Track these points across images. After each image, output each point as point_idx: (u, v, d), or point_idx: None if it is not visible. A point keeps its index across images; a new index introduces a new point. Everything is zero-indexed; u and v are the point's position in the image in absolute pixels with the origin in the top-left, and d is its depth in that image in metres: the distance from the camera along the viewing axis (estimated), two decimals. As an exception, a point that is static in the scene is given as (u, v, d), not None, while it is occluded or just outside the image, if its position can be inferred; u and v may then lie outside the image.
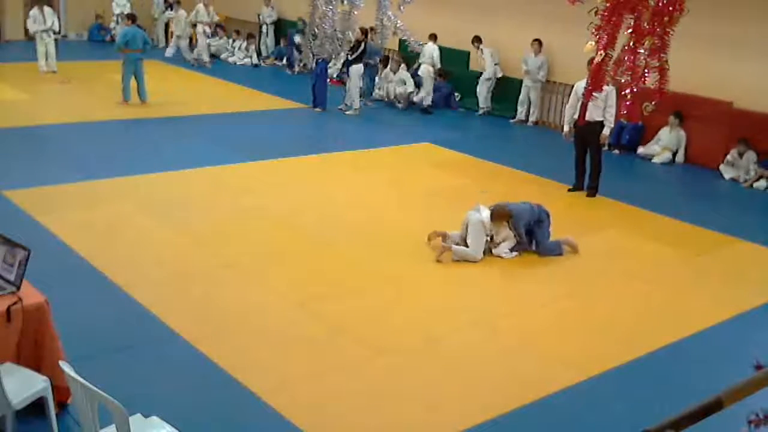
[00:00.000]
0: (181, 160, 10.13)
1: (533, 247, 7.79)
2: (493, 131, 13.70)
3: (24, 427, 4.25)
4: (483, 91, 14.76)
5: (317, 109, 14.08)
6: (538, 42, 13.68)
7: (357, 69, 14.19)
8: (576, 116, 9.91)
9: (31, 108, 12.63)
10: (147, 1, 19.76)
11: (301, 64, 17.18)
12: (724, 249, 8.46)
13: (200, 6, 18.27)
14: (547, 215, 7.82)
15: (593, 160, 9.91)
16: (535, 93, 14.10)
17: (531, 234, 7.77)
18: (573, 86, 10.07)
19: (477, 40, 14.53)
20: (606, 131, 9.81)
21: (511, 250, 7.65)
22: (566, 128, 10.16)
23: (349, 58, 14.17)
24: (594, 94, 10.25)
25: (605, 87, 8.87)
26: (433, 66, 14.85)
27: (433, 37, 14.88)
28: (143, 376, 5.09)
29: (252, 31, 19.31)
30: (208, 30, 18.33)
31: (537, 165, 11.17)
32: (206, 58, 18.10)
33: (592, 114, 9.58)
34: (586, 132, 9.75)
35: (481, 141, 12.92)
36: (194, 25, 18.41)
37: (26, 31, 19.15)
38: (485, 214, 7.53)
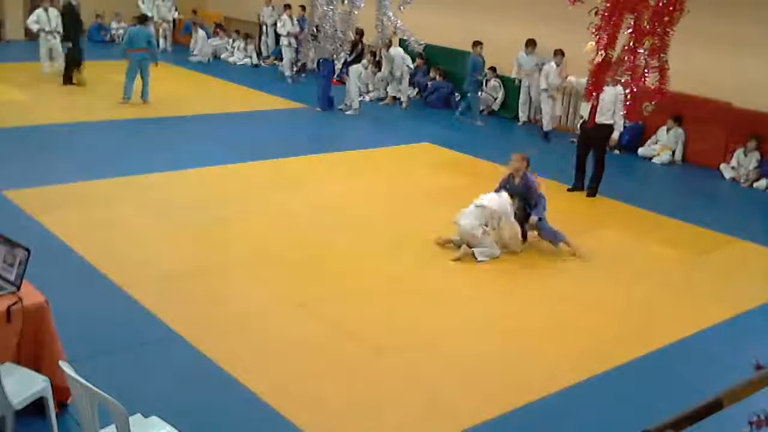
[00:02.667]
0: (181, 160, 10.12)
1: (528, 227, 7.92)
2: (493, 131, 13.68)
3: (24, 427, 4.24)
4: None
5: (318, 109, 14.09)
6: (533, 42, 13.68)
7: (356, 69, 14.20)
8: (586, 118, 9.98)
9: (31, 108, 12.62)
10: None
11: (300, 65, 16.94)
12: (724, 249, 8.46)
13: (285, 17, 16.94)
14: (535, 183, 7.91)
15: (597, 161, 9.91)
16: (536, 93, 14.11)
17: (526, 208, 7.85)
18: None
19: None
20: (615, 134, 9.83)
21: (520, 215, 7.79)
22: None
23: (347, 59, 14.17)
24: (602, 96, 10.32)
25: (615, 89, 8.92)
26: (548, 87, 13.13)
27: (559, 54, 12.99)
28: (143, 376, 5.09)
29: (252, 31, 19.31)
30: (293, 42, 16.65)
31: (537, 165, 11.10)
32: (288, 72, 16.84)
33: (601, 116, 9.60)
34: (594, 134, 9.77)
35: (481, 141, 12.91)
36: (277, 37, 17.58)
37: (26, 31, 19.14)
38: (490, 200, 7.59)
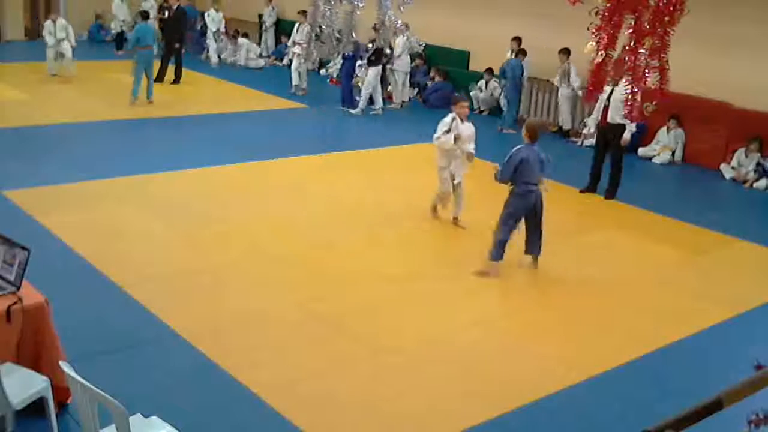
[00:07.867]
0: (182, 160, 10.12)
1: None
2: (494, 132, 13.66)
3: (24, 427, 4.25)
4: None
5: (345, 108, 14.10)
6: (517, 40, 13.53)
7: (375, 71, 13.87)
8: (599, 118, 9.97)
9: (31, 108, 12.62)
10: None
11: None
12: (724, 249, 8.46)
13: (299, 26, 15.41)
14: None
15: (612, 162, 9.86)
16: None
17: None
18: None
19: None
20: (627, 135, 9.70)
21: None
22: (591, 129, 10.22)
23: (351, 60, 14.05)
24: (614, 96, 10.24)
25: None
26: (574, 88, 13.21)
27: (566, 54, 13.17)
28: (143, 376, 5.09)
29: (251, 31, 19.29)
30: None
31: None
32: (300, 81, 15.53)
33: (614, 116, 9.54)
34: (607, 133, 9.78)
35: (482, 141, 12.84)
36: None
37: (26, 30, 19.14)
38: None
